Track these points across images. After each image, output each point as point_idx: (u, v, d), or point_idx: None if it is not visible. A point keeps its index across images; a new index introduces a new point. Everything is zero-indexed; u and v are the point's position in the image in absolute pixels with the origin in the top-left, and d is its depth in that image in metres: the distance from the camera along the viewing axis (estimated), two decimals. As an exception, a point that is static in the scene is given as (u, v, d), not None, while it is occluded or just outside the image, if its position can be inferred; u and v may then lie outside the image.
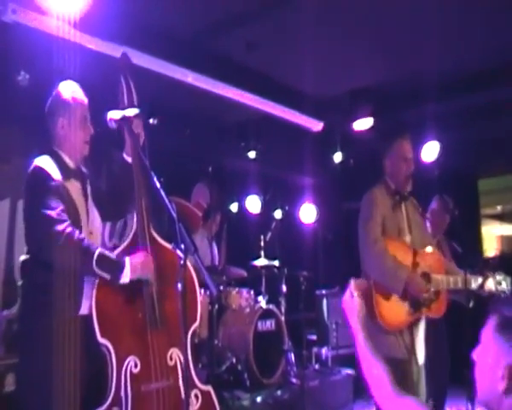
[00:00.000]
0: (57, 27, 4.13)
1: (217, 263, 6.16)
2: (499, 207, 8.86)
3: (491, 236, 8.64)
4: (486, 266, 3.77)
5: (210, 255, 6.09)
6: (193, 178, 7.34)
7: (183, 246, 2.51)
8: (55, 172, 2.83)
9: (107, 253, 2.76)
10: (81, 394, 2.64)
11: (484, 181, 8.44)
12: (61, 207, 2.74)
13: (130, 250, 2.89)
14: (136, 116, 3.05)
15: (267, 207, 7.60)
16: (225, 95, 5.90)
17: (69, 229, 2.70)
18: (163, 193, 2.67)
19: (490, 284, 3.60)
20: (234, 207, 7.80)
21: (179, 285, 2.52)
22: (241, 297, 5.83)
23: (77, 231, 2.75)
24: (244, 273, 6.24)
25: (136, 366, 2.78)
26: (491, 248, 8.50)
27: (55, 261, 2.66)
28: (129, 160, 3.08)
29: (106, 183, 3.27)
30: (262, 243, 6.22)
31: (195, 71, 5.47)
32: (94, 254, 2.69)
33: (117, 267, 2.74)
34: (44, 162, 2.84)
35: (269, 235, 6.48)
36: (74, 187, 2.93)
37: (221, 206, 6.88)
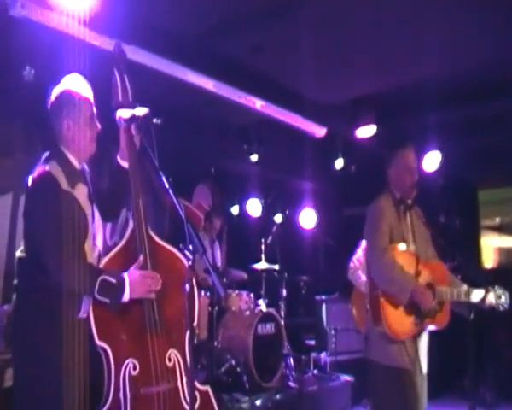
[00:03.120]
0: (65, 24, 4.12)
1: (219, 265, 6.16)
2: (498, 219, 8.86)
3: (490, 247, 8.65)
4: (486, 279, 3.77)
5: (211, 257, 6.08)
6: (195, 179, 7.34)
7: (191, 247, 2.51)
8: (63, 181, 2.73)
9: (108, 278, 2.67)
10: (80, 396, 2.60)
11: (483, 192, 8.45)
12: (65, 221, 2.66)
13: (128, 251, 2.84)
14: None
15: (268, 211, 7.61)
16: (229, 97, 5.90)
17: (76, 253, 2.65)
18: (172, 194, 2.65)
19: (491, 298, 3.61)
20: (235, 210, 7.80)
21: (187, 286, 2.53)
22: (241, 300, 5.84)
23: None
24: (244, 276, 6.25)
25: (134, 368, 2.72)
26: (489, 260, 8.51)
27: (59, 279, 2.62)
28: (123, 164, 2.97)
29: (106, 182, 3.15)
30: (263, 247, 6.22)
31: (200, 72, 5.47)
32: (96, 281, 2.64)
33: (117, 292, 2.68)
34: (54, 169, 2.73)
35: (269, 238, 6.48)
36: (81, 192, 2.83)
37: (222, 208, 6.88)
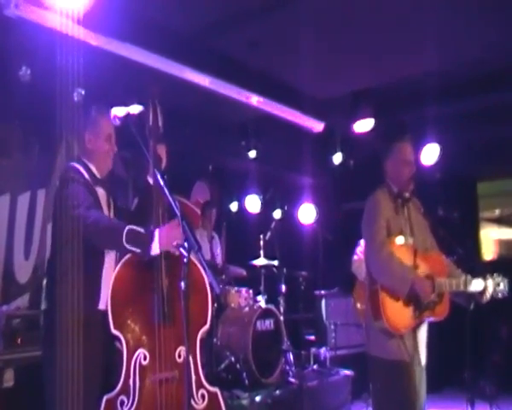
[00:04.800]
0: (60, 23, 4.12)
1: (217, 261, 6.16)
2: (497, 211, 8.86)
3: (490, 239, 8.65)
4: (486, 270, 3.77)
5: (210, 254, 6.09)
6: (193, 176, 7.35)
7: (186, 244, 2.53)
8: (85, 175, 3.10)
9: (135, 228, 2.89)
10: (99, 383, 2.89)
11: (483, 184, 8.45)
12: (92, 199, 2.99)
13: None
14: (160, 141, 3.22)
15: (267, 207, 7.61)
16: (226, 94, 5.90)
17: (97, 212, 2.94)
18: (167, 191, 2.70)
19: (490, 286, 3.61)
20: (234, 207, 7.80)
21: (182, 283, 2.54)
22: (240, 296, 5.85)
23: (106, 214, 3.03)
24: (243, 273, 6.25)
25: (145, 358, 2.91)
26: (489, 252, 8.50)
27: (86, 241, 2.85)
28: (151, 182, 3.22)
29: (134, 204, 3.50)
30: (261, 243, 6.22)
31: (197, 69, 5.47)
32: (123, 231, 2.85)
33: (146, 240, 2.87)
34: (78, 165, 3.13)
35: (268, 234, 6.48)
36: (100, 193, 3.15)
37: (218, 203, 6.88)
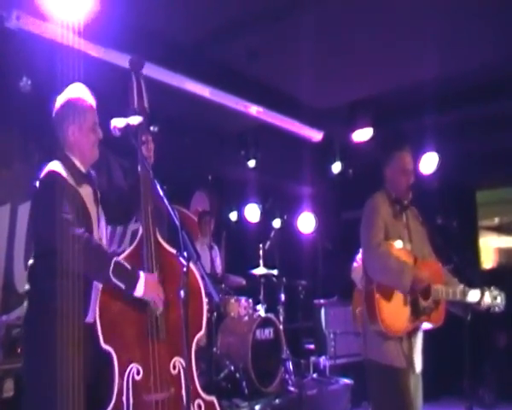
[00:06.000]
0: (60, 34, 4.14)
1: (217, 271, 6.17)
2: (496, 220, 8.87)
3: (489, 248, 8.66)
4: (483, 280, 3.78)
5: (209, 263, 6.10)
6: (192, 186, 7.36)
7: (185, 253, 2.53)
8: (68, 177, 2.83)
9: (122, 262, 2.74)
10: (84, 400, 2.64)
11: (482, 193, 8.46)
12: (75, 213, 2.74)
13: (135, 256, 2.88)
14: (147, 125, 3.06)
15: (266, 216, 7.62)
16: (225, 103, 5.93)
17: (87, 234, 2.71)
18: (166, 201, 2.68)
19: (486, 298, 3.62)
20: (233, 216, 7.82)
21: (182, 292, 2.54)
22: (239, 305, 5.85)
23: (94, 238, 2.79)
24: (243, 282, 6.25)
25: (138, 373, 2.77)
26: (488, 261, 8.51)
27: (70, 265, 2.62)
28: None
29: (109, 187, 3.26)
30: (261, 252, 6.23)
31: (197, 79, 5.50)
32: (111, 262, 2.68)
33: (132, 279, 2.72)
34: (58, 167, 2.83)
35: (268, 244, 6.49)
36: (86, 192, 2.93)
37: (218, 213, 6.90)
